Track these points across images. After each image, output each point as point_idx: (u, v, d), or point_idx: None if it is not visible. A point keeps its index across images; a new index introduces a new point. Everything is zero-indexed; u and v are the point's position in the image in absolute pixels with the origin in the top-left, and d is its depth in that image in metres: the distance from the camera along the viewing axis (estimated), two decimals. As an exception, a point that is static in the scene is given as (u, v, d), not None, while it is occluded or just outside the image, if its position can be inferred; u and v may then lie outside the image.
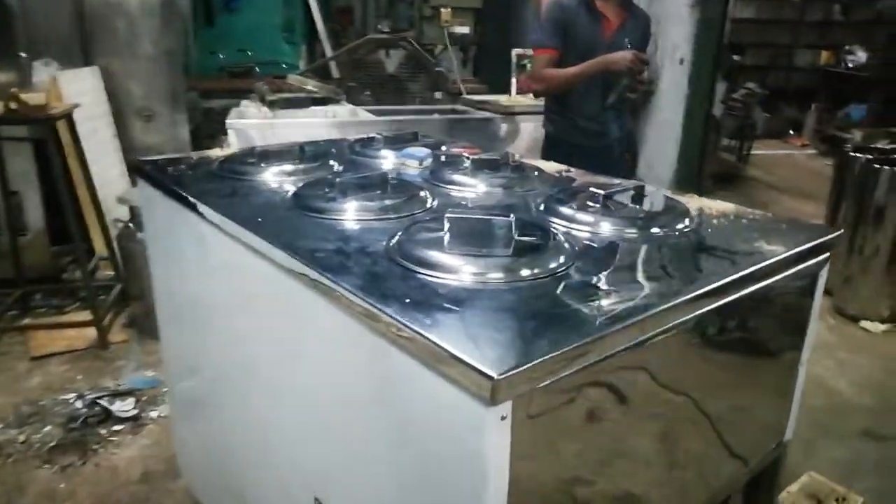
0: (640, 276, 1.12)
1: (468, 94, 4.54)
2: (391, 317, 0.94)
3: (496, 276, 1.07)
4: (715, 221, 1.41)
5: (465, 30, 5.83)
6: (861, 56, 8.07)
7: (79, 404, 2.67)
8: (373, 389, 1.05)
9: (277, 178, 1.64)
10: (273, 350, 1.35)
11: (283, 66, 6.55)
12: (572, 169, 1.92)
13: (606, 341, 0.92)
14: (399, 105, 4.27)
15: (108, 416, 2.62)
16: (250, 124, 3.38)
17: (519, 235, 1.15)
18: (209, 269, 1.56)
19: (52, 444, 2.46)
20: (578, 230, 1.31)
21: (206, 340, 1.68)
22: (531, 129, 3.76)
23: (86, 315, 3.24)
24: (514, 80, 4.15)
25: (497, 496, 0.86)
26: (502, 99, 4.06)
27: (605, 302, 1.00)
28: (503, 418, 0.83)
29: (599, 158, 2.84)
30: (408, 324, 0.91)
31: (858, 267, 3.52)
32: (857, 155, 3.60)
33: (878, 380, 3.02)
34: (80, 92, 3.65)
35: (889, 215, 3.39)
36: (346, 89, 4.67)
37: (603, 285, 1.06)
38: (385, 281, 1.06)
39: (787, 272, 1.25)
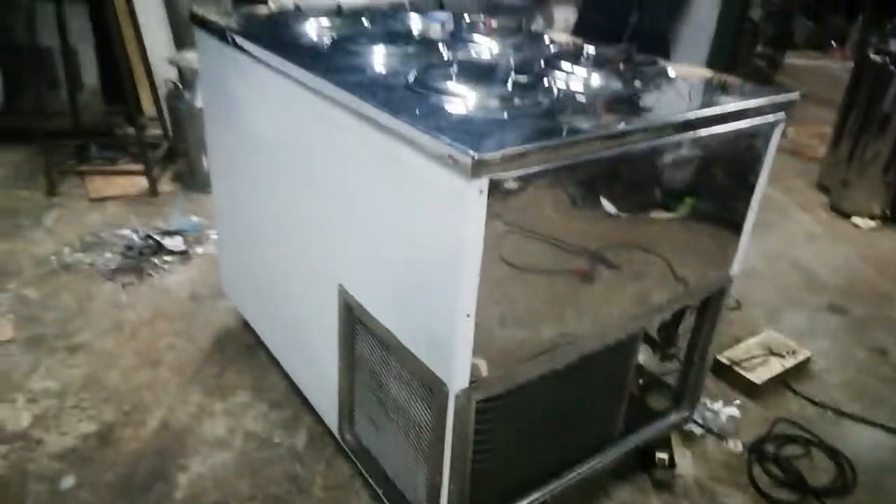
0: (607, 112, 1.38)
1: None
2: (405, 122, 1.22)
3: (493, 102, 1.33)
4: (693, 80, 1.65)
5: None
6: (913, -35, 7.73)
7: (134, 237, 3.05)
8: (385, 185, 1.35)
9: (318, 30, 1.89)
10: (306, 165, 1.65)
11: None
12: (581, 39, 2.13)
13: (570, 148, 1.20)
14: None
15: (160, 248, 3.00)
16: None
17: (517, 75, 1.41)
18: (254, 103, 1.84)
19: (112, 267, 2.86)
20: (571, 79, 1.56)
21: (250, 165, 1.98)
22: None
23: (137, 167, 3.58)
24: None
25: (473, 260, 1.17)
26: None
27: (575, 124, 1.27)
28: (481, 192, 1.11)
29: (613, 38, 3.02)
30: (416, 126, 1.19)
31: (857, 171, 3.70)
32: (875, 57, 3.66)
33: (854, 265, 3.28)
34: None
35: (894, 122, 3.52)
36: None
37: (575, 113, 1.32)
38: (402, 100, 1.33)
39: (739, 123, 1.49)
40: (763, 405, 2.32)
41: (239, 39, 1.79)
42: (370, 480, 1.77)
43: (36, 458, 1.92)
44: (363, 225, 1.47)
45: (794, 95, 1.57)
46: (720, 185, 1.57)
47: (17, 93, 3.85)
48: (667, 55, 3.46)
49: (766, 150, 1.61)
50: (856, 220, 3.70)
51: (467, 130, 1.18)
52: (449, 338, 1.26)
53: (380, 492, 1.71)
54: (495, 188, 1.13)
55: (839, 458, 2.10)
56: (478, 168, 1.09)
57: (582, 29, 3.23)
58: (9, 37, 3.75)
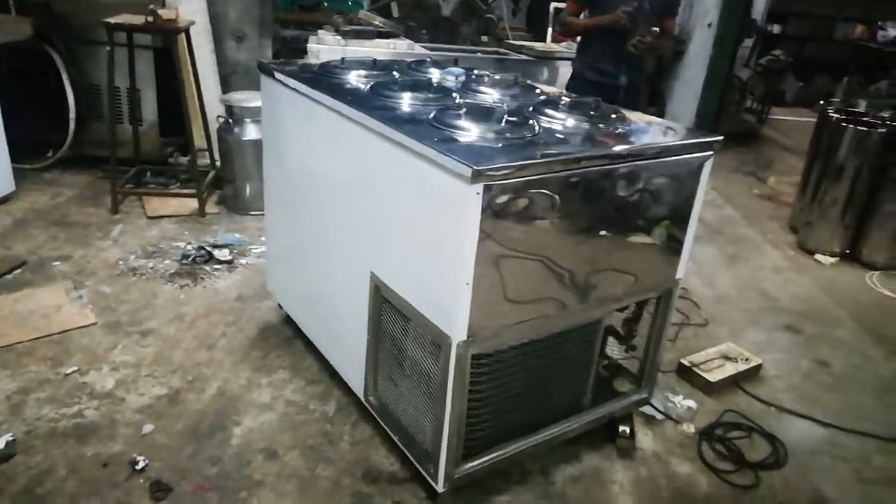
0: (574, 143, 1.89)
1: (513, 40, 5.23)
2: (428, 146, 1.73)
3: (490, 134, 1.84)
4: (642, 125, 2.16)
5: (516, -19, 6.44)
6: (892, 32, 8.39)
7: (189, 248, 3.57)
8: (410, 192, 1.85)
9: (358, 78, 2.43)
10: (346, 181, 2.16)
11: (349, 3, 7.32)
12: (567, 92, 2.65)
13: (540, 167, 1.70)
14: (450, 44, 4.99)
15: (210, 258, 3.51)
16: (326, 49, 4.16)
17: (508, 117, 1.93)
18: (307, 133, 2.37)
19: (171, 271, 3.37)
20: (551, 120, 2.07)
21: (301, 184, 2.50)
22: (566, 72, 4.48)
23: (188, 190, 4.14)
24: (549, 30, 4.82)
25: (471, 242, 1.66)
26: (538, 45, 4.75)
27: (548, 150, 1.78)
28: (478, 194, 1.61)
29: (607, 95, 3.52)
30: (437, 150, 1.70)
31: (819, 214, 4.19)
32: (833, 114, 4.20)
33: (811, 295, 3.73)
34: (190, 12, 4.47)
35: (846, 171, 4.03)
36: (405, 28, 5.41)
37: (549, 144, 1.83)
38: (426, 131, 1.84)
39: (674, 156, 1.99)
40: (716, 400, 2.76)
41: (298, 84, 2.33)
42: (389, 431, 2.22)
43: (121, 410, 2.39)
44: (392, 224, 1.98)
45: (718, 138, 2.07)
46: (663, 207, 2.06)
47: (86, 126, 4.44)
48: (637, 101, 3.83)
49: (699, 181, 2.10)
50: (818, 257, 4.17)
51: (470, 152, 1.69)
52: (452, 301, 1.74)
53: (396, 438, 2.17)
54: (488, 191, 1.63)
55: (775, 442, 2.53)
56: (476, 177, 1.59)
57: (577, 77, 3.76)
58: (85, 78, 4.36)
